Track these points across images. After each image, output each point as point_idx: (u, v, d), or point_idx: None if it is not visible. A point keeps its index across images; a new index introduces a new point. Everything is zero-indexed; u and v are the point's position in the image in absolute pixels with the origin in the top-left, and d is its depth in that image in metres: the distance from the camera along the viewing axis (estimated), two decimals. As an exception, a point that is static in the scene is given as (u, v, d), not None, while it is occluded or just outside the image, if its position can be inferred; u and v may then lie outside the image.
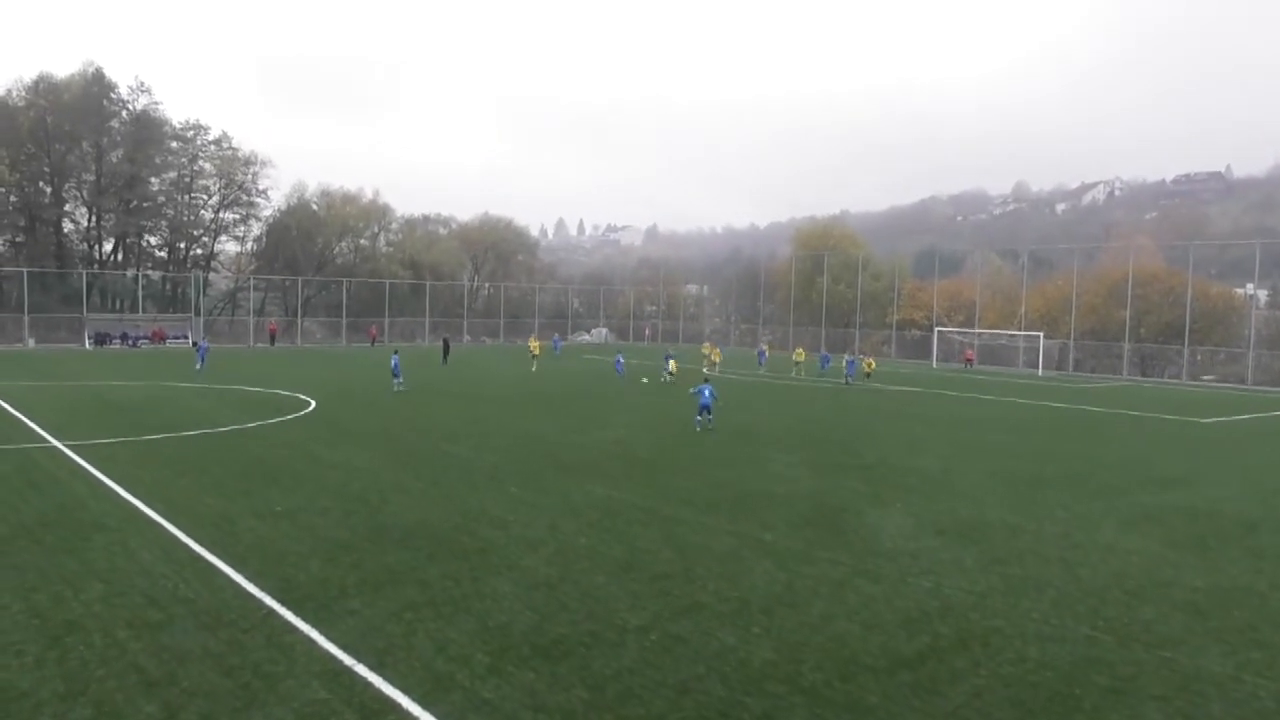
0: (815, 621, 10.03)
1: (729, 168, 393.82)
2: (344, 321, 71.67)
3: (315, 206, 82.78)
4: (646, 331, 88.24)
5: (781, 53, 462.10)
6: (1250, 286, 64.52)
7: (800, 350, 53.58)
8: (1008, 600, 10.99)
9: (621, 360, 43.86)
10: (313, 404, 29.04)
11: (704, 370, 44.91)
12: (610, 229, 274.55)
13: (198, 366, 40.31)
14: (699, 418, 25.15)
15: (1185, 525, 15.35)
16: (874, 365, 46.23)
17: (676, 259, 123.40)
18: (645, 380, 40.89)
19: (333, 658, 8.59)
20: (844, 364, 46.17)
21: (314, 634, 9.15)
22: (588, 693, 8.00)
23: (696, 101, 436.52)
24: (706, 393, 25.19)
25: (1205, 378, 55.28)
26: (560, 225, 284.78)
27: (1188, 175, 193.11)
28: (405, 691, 7.88)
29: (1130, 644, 9.61)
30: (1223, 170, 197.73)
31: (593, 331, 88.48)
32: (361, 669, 8.32)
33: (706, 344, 58.09)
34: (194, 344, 61.13)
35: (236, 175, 77.56)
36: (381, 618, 9.70)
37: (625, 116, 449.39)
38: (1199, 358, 56.01)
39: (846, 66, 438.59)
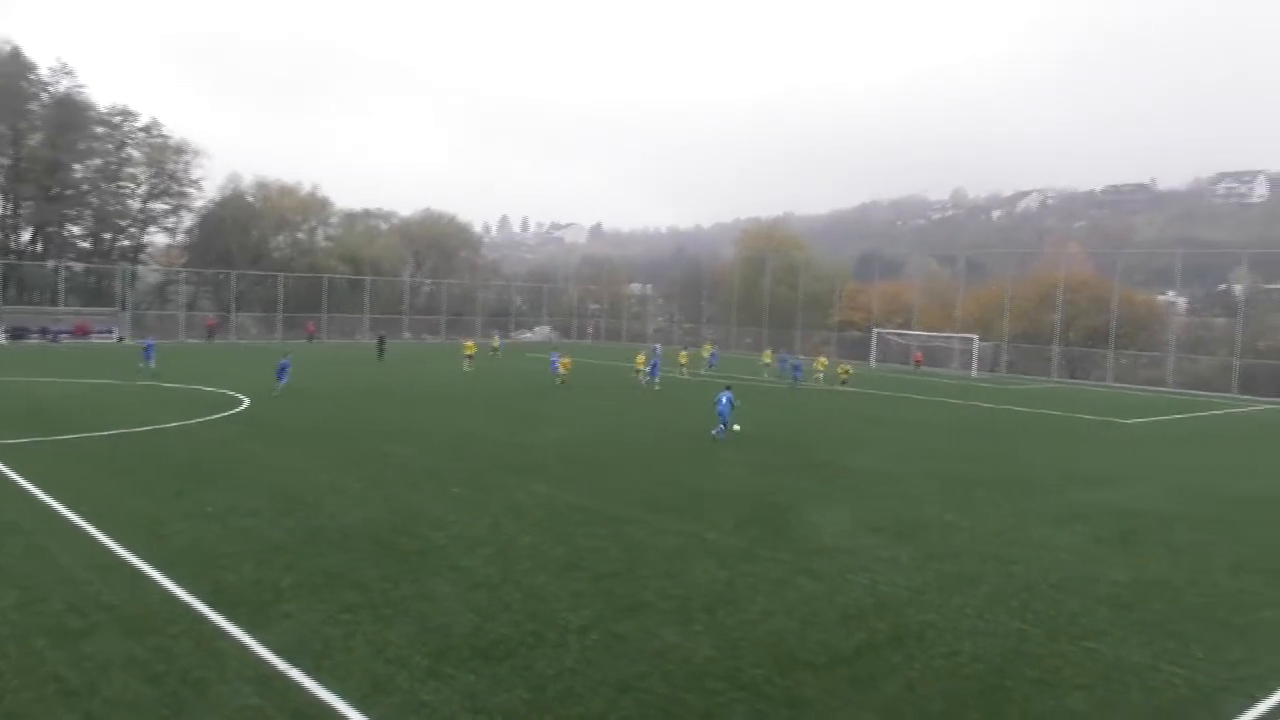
0: (756, 619, 10.12)
1: (675, 168, 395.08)
2: (280, 317, 70.29)
3: (251, 198, 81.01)
4: (590, 330, 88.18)
5: (728, 55, 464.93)
6: (1171, 294, 66.78)
7: (768, 352, 54.09)
8: (942, 596, 11.21)
9: (557, 357, 42.79)
10: (246, 402, 28.43)
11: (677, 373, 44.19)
12: (554, 226, 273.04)
13: (149, 365, 37.30)
14: (721, 426, 24.01)
15: (1110, 522, 15.82)
16: (850, 371, 43.46)
17: (620, 258, 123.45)
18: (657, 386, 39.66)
19: (266, 662, 8.42)
20: (791, 367, 44.86)
21: (246, 638, 8.96)
22: (529, 693, 7.97)
23: (642, 101, 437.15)
24: (723, 400, 24.10)
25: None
26: (504, 222, 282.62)
27: (1115, 186, 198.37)
28: (342, 695, 7.76)
29: (1058, 636, 9.89)
30: (1148, 182, 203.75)
31: (535, 329, 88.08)
32: (296, 673, 8.17)
33: (705, 345, 58.23)
34: (118, 338, 59.70)
35: (167, 164, 75.55)
36: (317, 620, 9.54)
37: (570, 115, 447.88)
38: (1123, 361, 57.71)
39: (792, 70, 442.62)
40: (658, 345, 59.38)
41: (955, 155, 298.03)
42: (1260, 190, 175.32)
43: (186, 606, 9.85)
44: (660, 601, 10.57)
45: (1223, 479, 21.15)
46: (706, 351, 54.95)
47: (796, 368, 44.10)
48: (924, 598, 11.13)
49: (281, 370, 30.90)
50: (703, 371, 49.51)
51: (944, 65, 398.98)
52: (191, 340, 64.33)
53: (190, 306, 72.11)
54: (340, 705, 7.59)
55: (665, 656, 8.91)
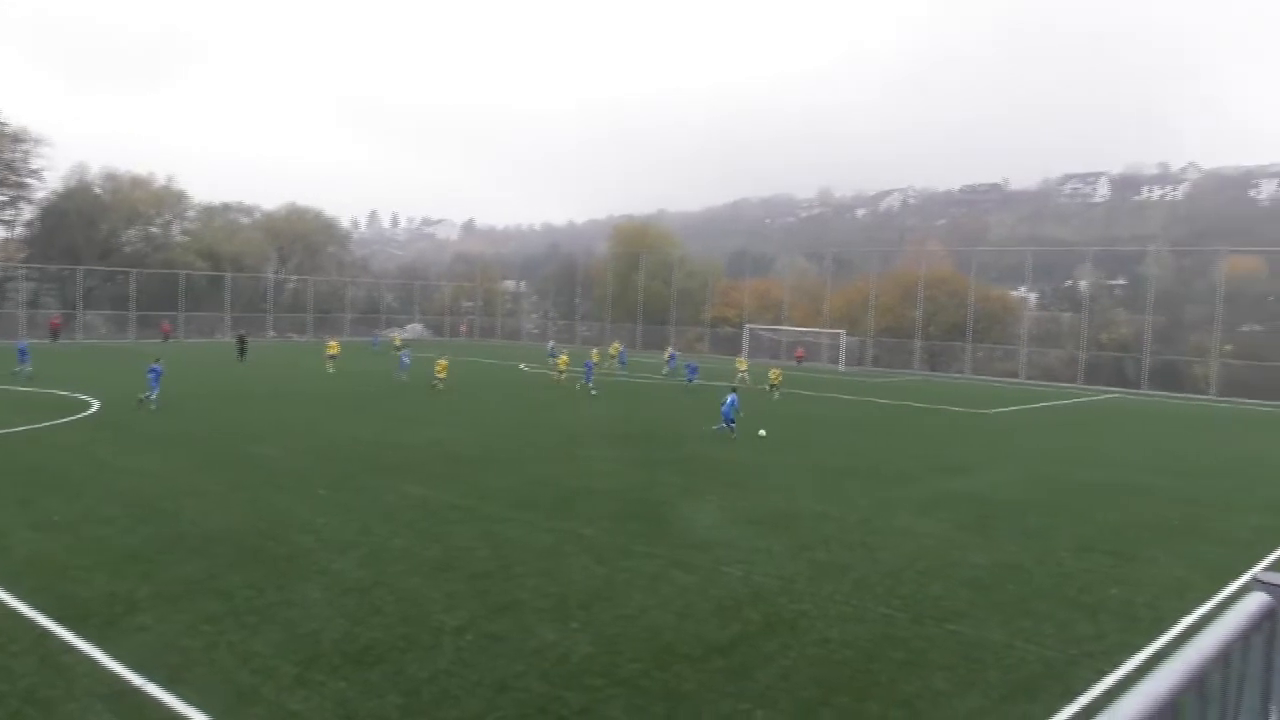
0: (633, 613, 10.18)
1: (547, 165, 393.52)
2: (132, 315, 66.63)
3: (99, 190, 76.47)
4: (463, 328, 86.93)
5: (600, 56, 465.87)
6: (1023, 289, 70.57)
7: (670, 350, 54.14)
8: (813, 584, 11.53)
9: (407, 356, 40.51)
10: (96, 405, 26.85)
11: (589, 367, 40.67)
12: (426, 222, 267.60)
13: (25, 369, 34.16)
14: (722, 426, 24.70)
15: (969, 509, 16.58)
16: (780, 376, 38.79)
17: (494, 254, 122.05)
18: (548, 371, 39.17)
19: (119, 678, 7.97)
20: (685, 367, 41.99)
21: (97, 653, 8.47)
22: (402, 698, 7.80)
23: (514, 99, 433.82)
24: (729, 401, 24.86)
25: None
26: (373, 217, 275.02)
27: (971, 186, 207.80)
28: (202, 708, 7.42)
29: (922, 620, 10.30)
30: (1001, 182, 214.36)
31: (407, 327, 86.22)
32: (152, 688, 7.77)
33: (614, 344, 57.41)
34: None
35: (3, 153, 70.60)
36: (176, 632, 9.09)
37: (441, 112, 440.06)
38: (979, 354, 60.63)
39: (665, 71, 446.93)
40: (552, 342, 58.85)
41: (822, 155, 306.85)
42: (1103, 191, 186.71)
43: (30, 622, 9.23)
44: (537, 600, 10.51)
45: (1070, 466, 22.45)
46: (615, 350, 54.46)
47: (691, 368, 41.23)
48: (796, 587, 11.42)
49: (154, 377, 26.59)
50: (618, 371, 48.81)
51: (811, 69, 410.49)
52: (34, 340, 60.20)
53: (32, 304, 67.57)
54: (201, 719, 7.25)
55: (542, 654, 8.86)
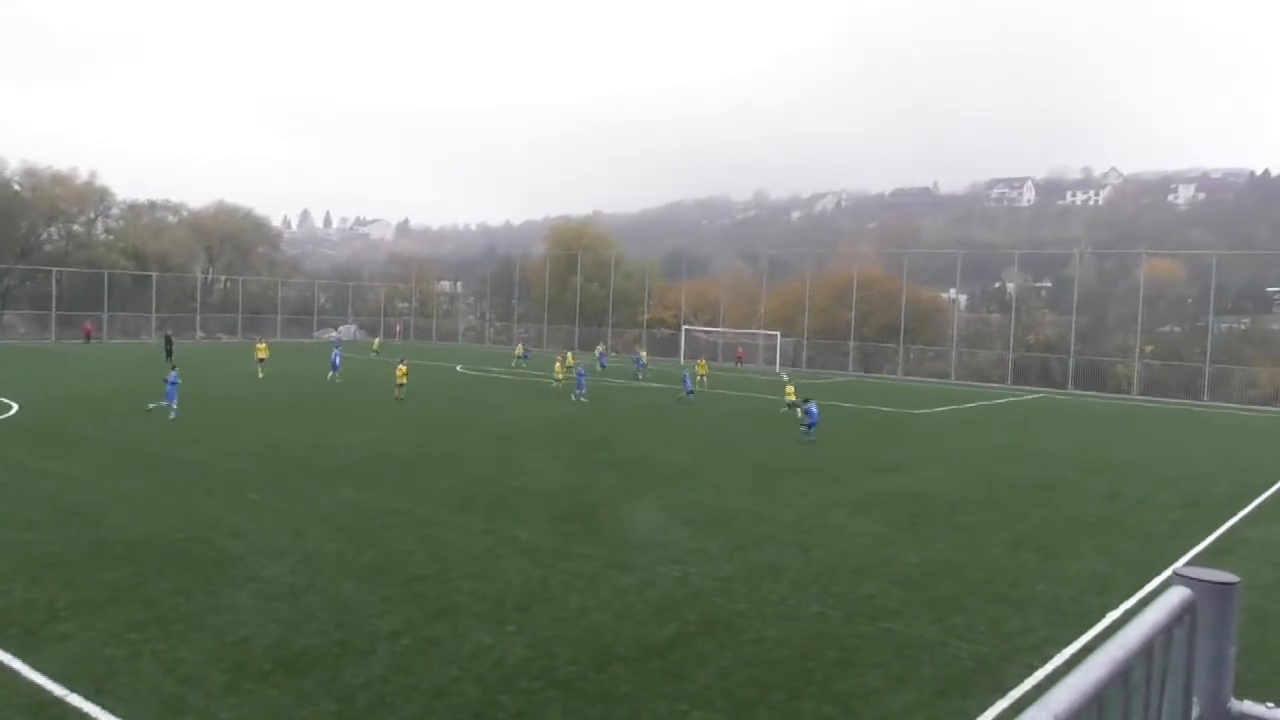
0: (570, 616, 10.15)
1: (484, 165, 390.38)
2: (54, 315, 64.48)
3: (18, 186, 73.78)
4: (398, 329, 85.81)
5: (534, 59, 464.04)
6: (953, 291, 72.08)
7: (644, 353, 53.85)
8: (750, 584, 11.63)
9: (339, 355, 39.79)
10: (15, 407, 25.92)
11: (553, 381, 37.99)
12: (359, 222, 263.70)
13: None
14: (806, 432, 25.46)
15: (902, 507, 16.88)
16: (793, 391, 33.58)
17: (429, 255, 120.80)
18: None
19: (40, 689, 7.72)
20: (682, 378, 37.28)
21: (17, 664, 8.18)
22: (336, 704, 7.68)
23: (448, 99, 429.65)
24: (813, 410, 25.79)
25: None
26: (305, 217, 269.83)
27: (902, 189, 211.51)
28: (127, 719, 7.21)
29: (856, 618, 10.46)
30: (931, 186, 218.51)
31: (341, 328, 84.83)
32: (75, 698, 7.53)
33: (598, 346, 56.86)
34: None
35: (-84, 147, 67.74)
36: (99, 641, 8.83)
37: (375, 111, 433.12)
38: (911, 355, 61.76)
39: (602, 74, 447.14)
40: (520, 344, 58.11)
41: (758, 159, 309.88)
42: (1028, 195, 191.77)
43: (-58, 635, 8.88)
44: (473, 603, 10.43)
45: (1000, 463, 22.99)
46: (596, 354, 54.07)
47: (686, 379, 36.84)
48: (733, 587, 11.50)
49: (172, 387, 25.74)
50: (597, 370, 48.24)
51: (747, 73, 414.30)
52: (-54, 340, 57.97)
53: (-55, 303, 65.01)
54: (126, 732, 7.06)
55: (478, 658, 8.80)
